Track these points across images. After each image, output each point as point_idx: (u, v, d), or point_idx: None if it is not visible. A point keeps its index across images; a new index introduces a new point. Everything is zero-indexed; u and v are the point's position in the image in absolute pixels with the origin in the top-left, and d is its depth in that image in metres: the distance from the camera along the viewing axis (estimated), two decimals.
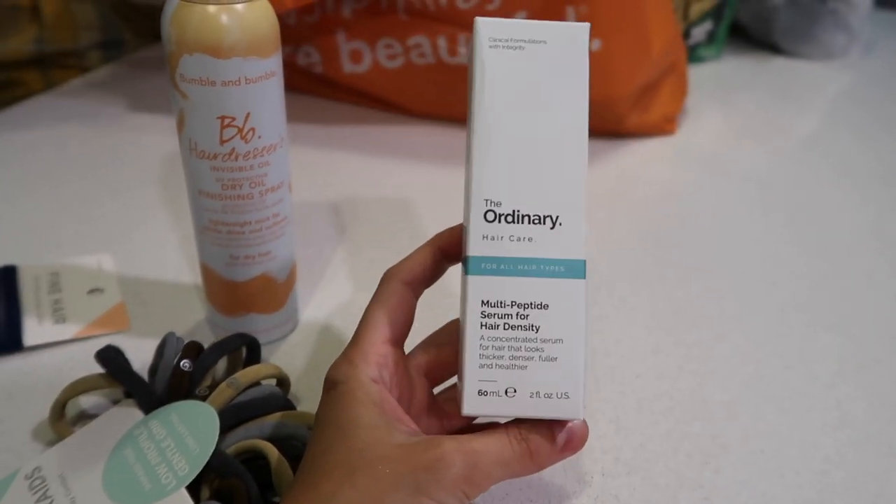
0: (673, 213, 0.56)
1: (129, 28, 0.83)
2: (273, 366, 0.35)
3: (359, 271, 0.47)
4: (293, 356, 0.40)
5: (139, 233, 0.50)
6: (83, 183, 0.56)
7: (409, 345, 0.32)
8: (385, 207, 0.55)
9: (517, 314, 0.27)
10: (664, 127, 0.68)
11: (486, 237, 0.27)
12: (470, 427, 0.31)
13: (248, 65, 0.31)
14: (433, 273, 0.31)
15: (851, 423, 0.37)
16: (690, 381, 0.39)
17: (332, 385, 0.28)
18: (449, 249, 0.31)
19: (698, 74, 0.83)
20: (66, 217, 0.51)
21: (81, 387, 0.34)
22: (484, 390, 0.27)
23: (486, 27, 0.27)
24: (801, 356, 0.41)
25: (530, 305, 0.27)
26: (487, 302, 0.27)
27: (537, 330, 0.27)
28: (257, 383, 0.34)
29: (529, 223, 0.27)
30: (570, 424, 0.28)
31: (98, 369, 0.34)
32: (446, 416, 0.31)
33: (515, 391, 0.27)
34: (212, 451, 0.29)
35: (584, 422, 0.28)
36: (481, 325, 0.27)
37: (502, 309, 0.27)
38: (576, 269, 0.27)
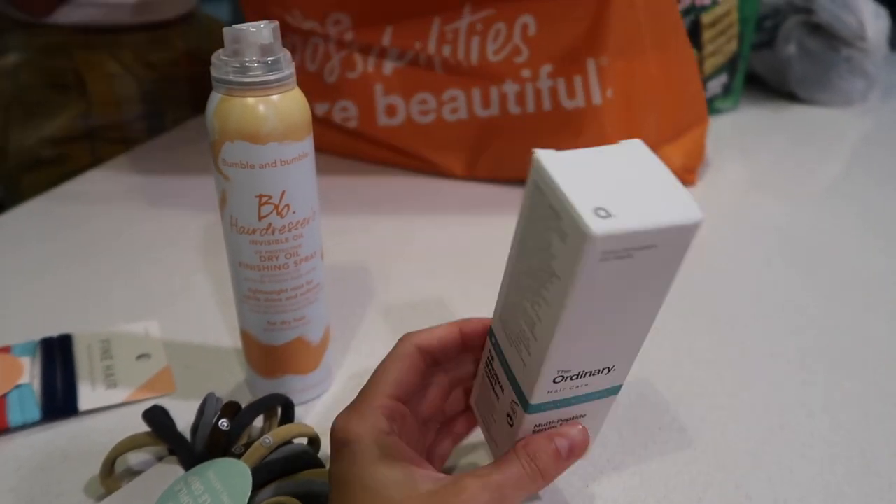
0: (694, 262, 0.57)
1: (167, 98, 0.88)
2: (304, 425, 0.37)
3: (389, 332, 0.49)
4: (327, 416, 0.42)
5: (182, 300, 0.53)
6: (129, 253, 0.60)
7: None
8: (414, 268, 0.57)
9: (560, 423, 0.31)
10: (684, 178, 0.70)
11: (551, 391, 0.29)
12: None
13: (283, 148, 0.34)
14: (450, 352, 0.33)
15: (876, 471, 0.37)
16: (713, 430, 0.40)
17: (344, 443, 0.29)
18: (471, 339, 0.33)
19: (716, 125, 0.85)
20: (115, 286, 0.55)
21: (129, 444, 0.36)
22: None
23: (603, 242, 0.23)
24: (824, 404, 0.42)
25: (572, 418, 0.31)
26: (539, 425, 0.30)
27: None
28: (289, 442, 0.36)
29: (590, 376, 0.29)
30: (569, 433, 0.30)
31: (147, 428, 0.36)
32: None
33: None
34: None
35: (582, 427, 0.31)
36: (532, 431, 0.31)
37: (550, 423, 0.31)
38: (614, 389, 0.30)
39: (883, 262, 0.57)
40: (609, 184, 0.25)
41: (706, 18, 0.79)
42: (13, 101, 0.81)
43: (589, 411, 0.31)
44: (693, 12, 0.77)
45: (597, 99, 0.64)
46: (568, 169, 0.25)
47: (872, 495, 0.36)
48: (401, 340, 0.33)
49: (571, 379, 0.28)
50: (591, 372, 0.29)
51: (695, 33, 0.79)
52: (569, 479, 0.37)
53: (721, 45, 0.82)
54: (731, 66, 0.85)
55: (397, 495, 0.27)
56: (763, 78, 0.96)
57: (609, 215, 0.23)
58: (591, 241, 0.23)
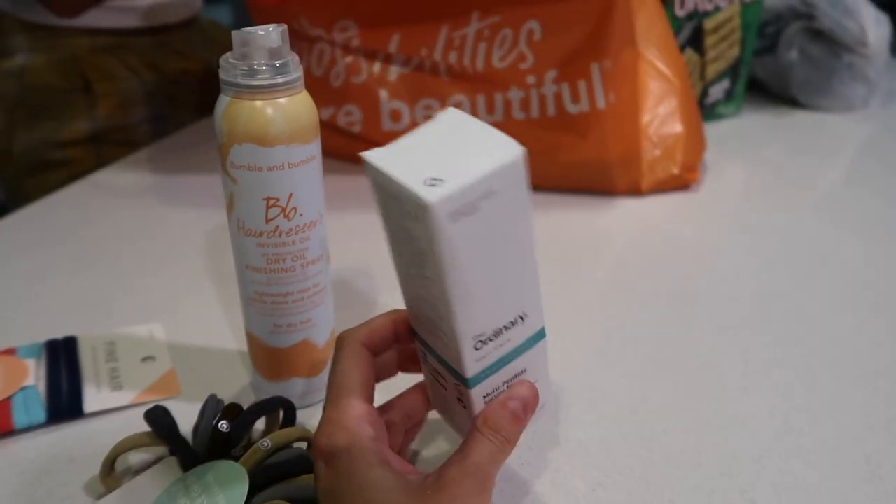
0: (696, 268, 0.58)
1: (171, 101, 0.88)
2: (303, 429, 0.37)
3: None
4: None
5: (187, 302, 0.53)
6: (134, 256, 0.60)
7: None
8: None
9: (507, 385, 0.32)
10: (687, 177, 0.69)
11: (478, 359, 0.30)
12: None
13: (291, 151, 0.34)
14: (387, 343, 0.34)
15: (881, 477, 0.37)
16: (718, 435, 0.40)
17: (333, 455, 0.29)
18: (403, 328, 0.34)
19: (719, 131, 0.85)
20: (119, 288, 0.55)
21: (130, 444, 0.36)
22: None
23: (443, 206, 0.25)
24: (828, 410, 0.42)
25: (516, 376, 0.32)
26: (487, 395, 0.31)
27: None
28: (289, 445, 0.36)
29: (506, 330, 0.30)
30: (518, 393, 0.31)
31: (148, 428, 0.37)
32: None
33: None
34: None
35: (528, 383, 0.32)
36: (484, 404, 0.31)
37: (497, 389, 0.32)
38: (540, 335, 0.32)
39: (884, 267, 0.57)
40: (434, 156, 0.27)
41: (708, 24, 0.79)
42: (18, 104, 0.81)
43: (527, 364, 0.32)
44: (695, 18, 0.77)
45: (601, 103, 0.64)
46: (395, 158, 0.27)
47: (878, 500, 0.36)
48: (345, 340, 0.33)
49: (491, 340, 0.30)
50: (505, 326, 0.30)
51: (697, 39, 0.79)
52: (574, 484, 0.37)
53: (723, 50, 0.83)
54: (733, 71, 0.86)
55: (394, 497, 0.28)
56: (765, 83, 0.96)
57: (440, 182, 0.25)
58: (433, 209, 0.25)
